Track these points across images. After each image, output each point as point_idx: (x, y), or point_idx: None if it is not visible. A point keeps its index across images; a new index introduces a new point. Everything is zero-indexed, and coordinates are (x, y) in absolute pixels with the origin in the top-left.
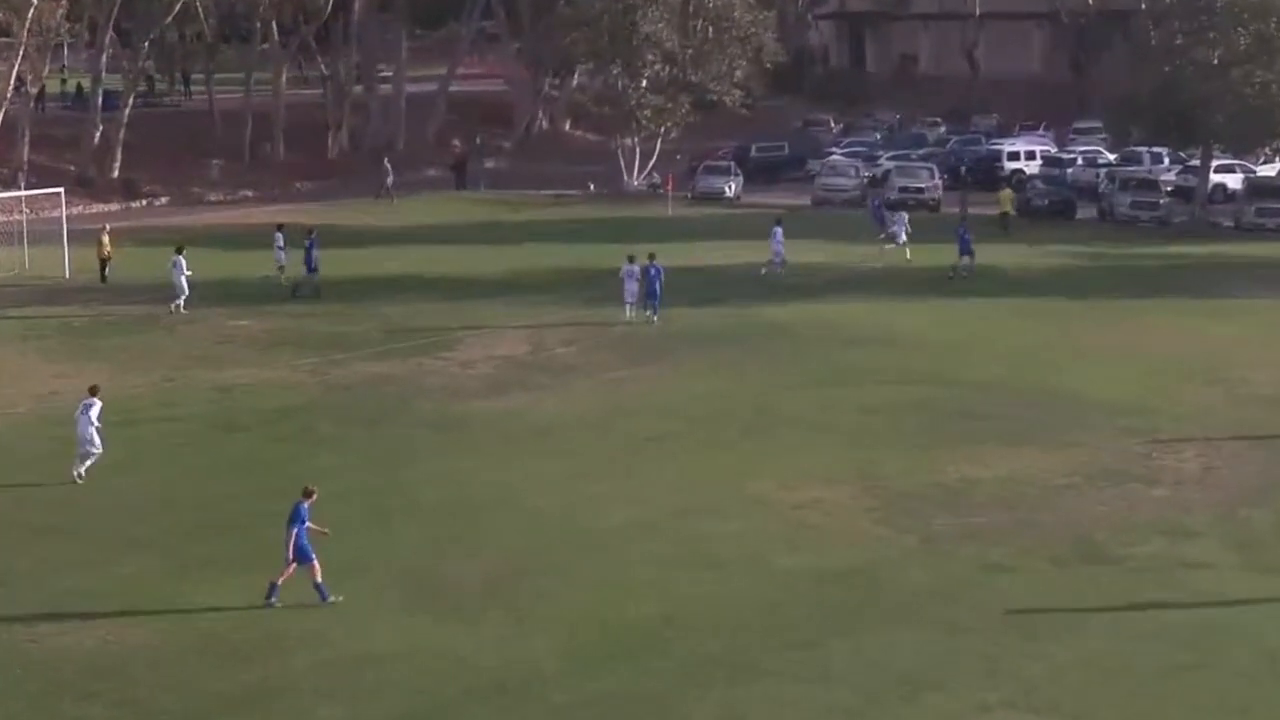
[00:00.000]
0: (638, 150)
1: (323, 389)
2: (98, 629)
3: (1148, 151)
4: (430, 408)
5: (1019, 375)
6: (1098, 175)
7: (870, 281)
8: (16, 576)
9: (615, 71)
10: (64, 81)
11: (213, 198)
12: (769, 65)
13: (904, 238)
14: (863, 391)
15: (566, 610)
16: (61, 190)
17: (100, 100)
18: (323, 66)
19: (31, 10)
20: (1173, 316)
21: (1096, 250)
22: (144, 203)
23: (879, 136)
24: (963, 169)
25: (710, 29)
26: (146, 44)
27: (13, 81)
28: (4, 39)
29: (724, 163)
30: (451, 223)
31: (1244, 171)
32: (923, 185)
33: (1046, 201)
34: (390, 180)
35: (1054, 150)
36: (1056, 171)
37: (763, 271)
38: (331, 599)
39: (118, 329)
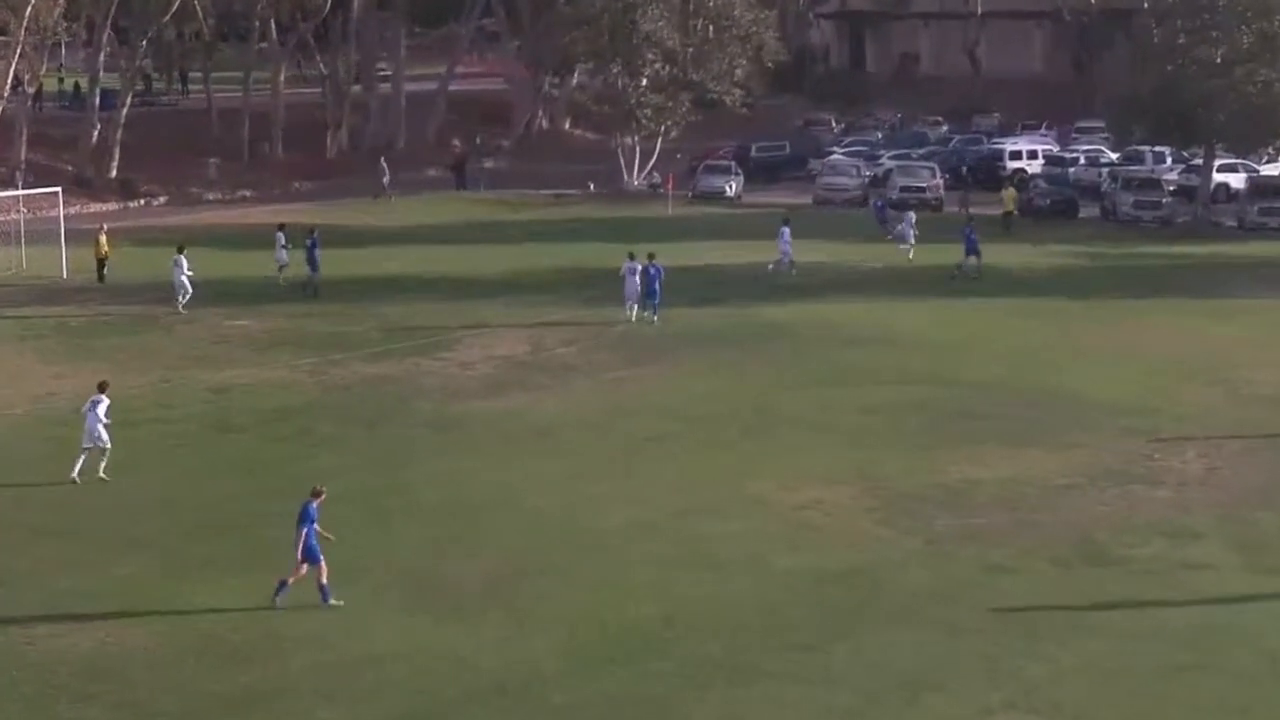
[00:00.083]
0: (638, 149)
1: (321, 389)
2: (95, 630)
3: (1150, 151)
4: (429, 408)
5: (1020, 375)
6: (1100, 175)
7: (870, 281)
8: (14, 577)
9: (615, 70)
10: (61, 80)
11: (211, 197)
12: (770, 64)
13: (913, 238)
14: (863, 391)
15: (566, 611)
16: (59, 190)
17: (98, 99)
18: (321, 65)
19: (29, 9)
20: (1175, 316)
21: (1098, 250)
22: (142, 202)
23: (880, 136)
24: (964, 168)
25: (711, 28)
26: (144, 43)
27: (10, 80)
28: (1, 38)
29: (724, 162)
30: (451, 222)
31: (1247, 171)
32: (924, 185)
33: (1049, 201)
34: (386, 179)
35: (1056, 149)
36: (1059, 171)
37: (770, 268)
38: (333, 601)
39: (115, 329)
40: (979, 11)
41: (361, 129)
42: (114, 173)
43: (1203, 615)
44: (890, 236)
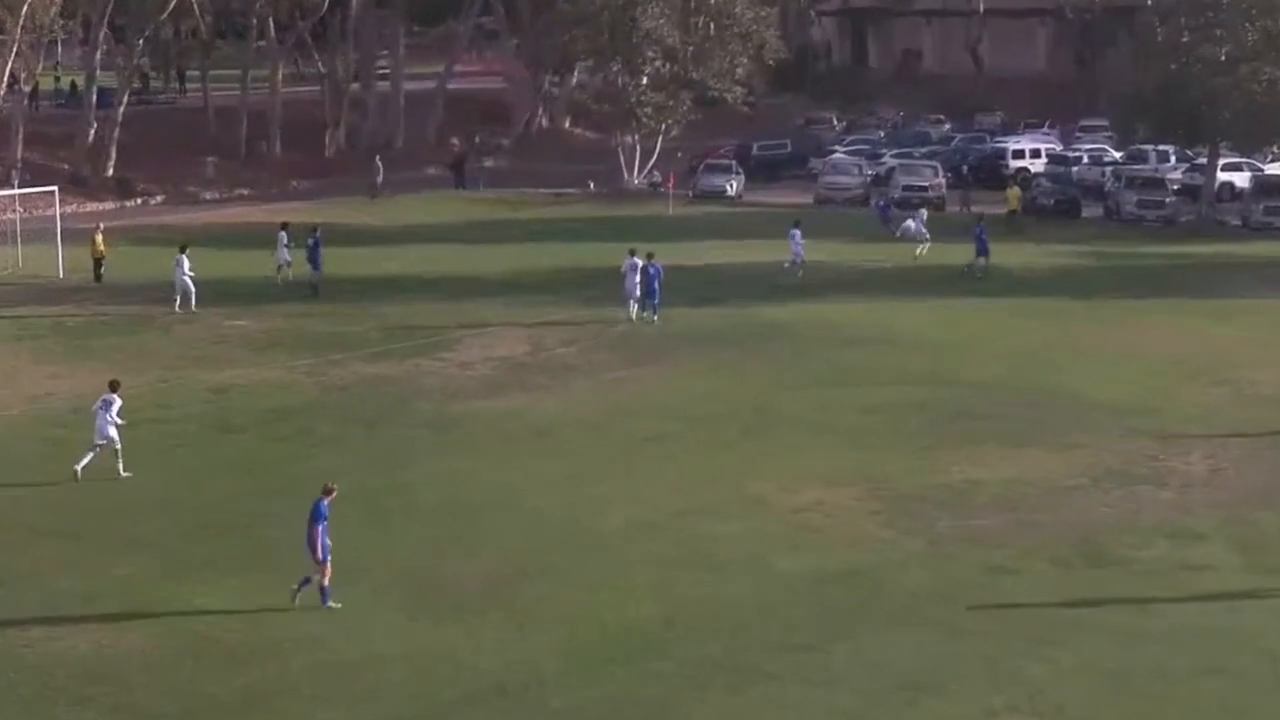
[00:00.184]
0: (638, 148)
1: (320, 389)
2: (93, 632)
3: (1154, 149)
4: (429, 408)
5: (1022, 375)
6: (1103, 173)
7: (871, 281)
8: (12, 578)
9: (615, 69)
10: (58, 79)
11: (208, 196)
12: (771, 62)
13: (926, 236)
14: (864, 392)
15: (566, 612)
16: (55, 189)
17: (94, 98)
18: (320, 64)
19: (25, 6)
20: (1178, 316)
21: (1101, 249)
22: (139, 201)
23: (882, 134)
24: (965, 167)
25: (711, 25)
26: (141, 41)
27: (6, 79)
28: None
29: (725, 161)
30: (450, 222)
31: (1251, 170)
32: (926, 184)
33: (1052, 200)
34: (379, 179)
35: (1059, 148)
36: (1062, 170)
37: (786, 266)
38: (331, 604)
39: (113, 329)
40: (981, 9)
41: (360, 128)
42: (111, 172)
43: (1205, 617)
44: (897, 235)
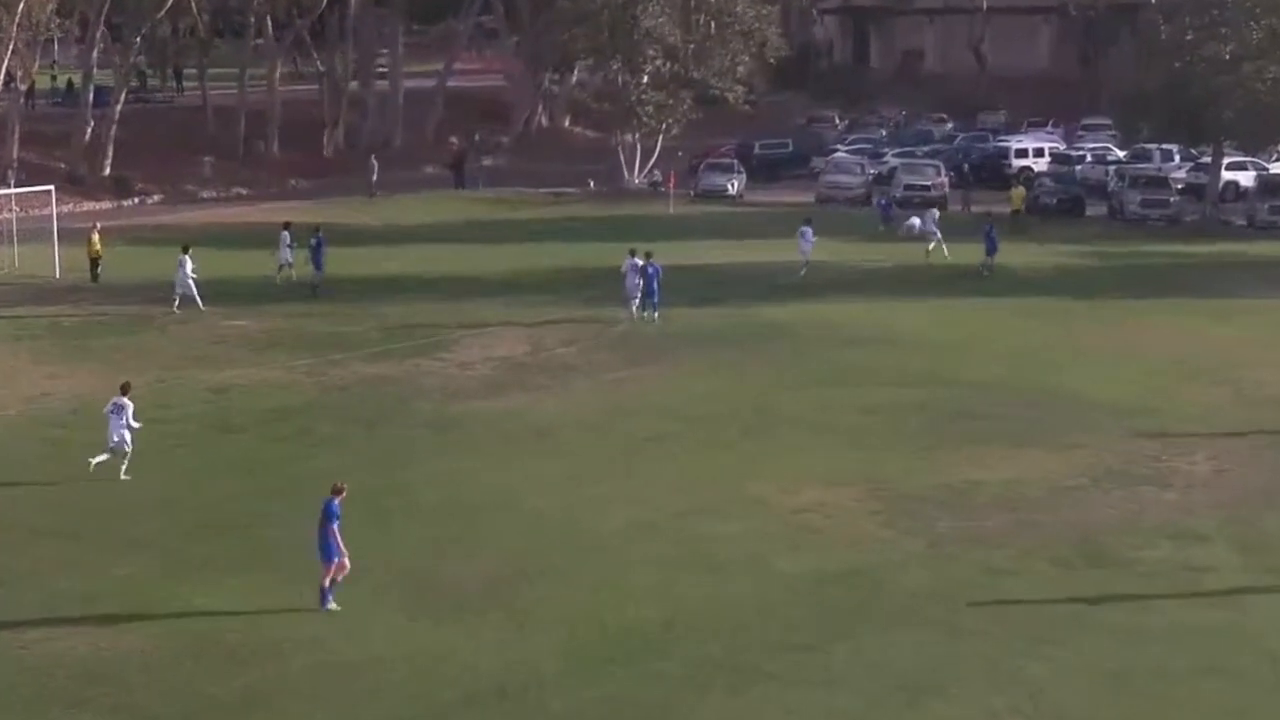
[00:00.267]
0: (638, 147)
1: (320, 390)
2: (92, 633)
3: (1158, 148)
4: (429, 408)
5: (1023, 376)
6: (1107, 173)
7: (872, 281)
8: (9, 579)
9: (615, 67)
10: (54, 77)
11: (206, 196)
12: (772, 61)
13: (938, 235)
14: (864, 392)
15: (566, 612)
16: (52, 188)
17: (91, 96)
18: (318, 62)
19: (21, 4)
20: (1181, 316)
21: (1105, 249)
22: (136, 201)
23: (884, 133)
24: (965, 166)
25: (712, 24)
26: (138, 39)
27: (2, 77)
28: None
29: (726, 160)
30: (450, 221)
31: (1256, 169)
32: (928, 183)
33: (1055, 199)
34: (374, 177)
35: (1062, 147)
36: (1065, 169)
37: (802, 274)
38: (330, 606)
39: (110, 329)
40: (984, 7)
41: (359, 127)
42: (107, 171)
43: (1206, 617)
44: (901, 233)
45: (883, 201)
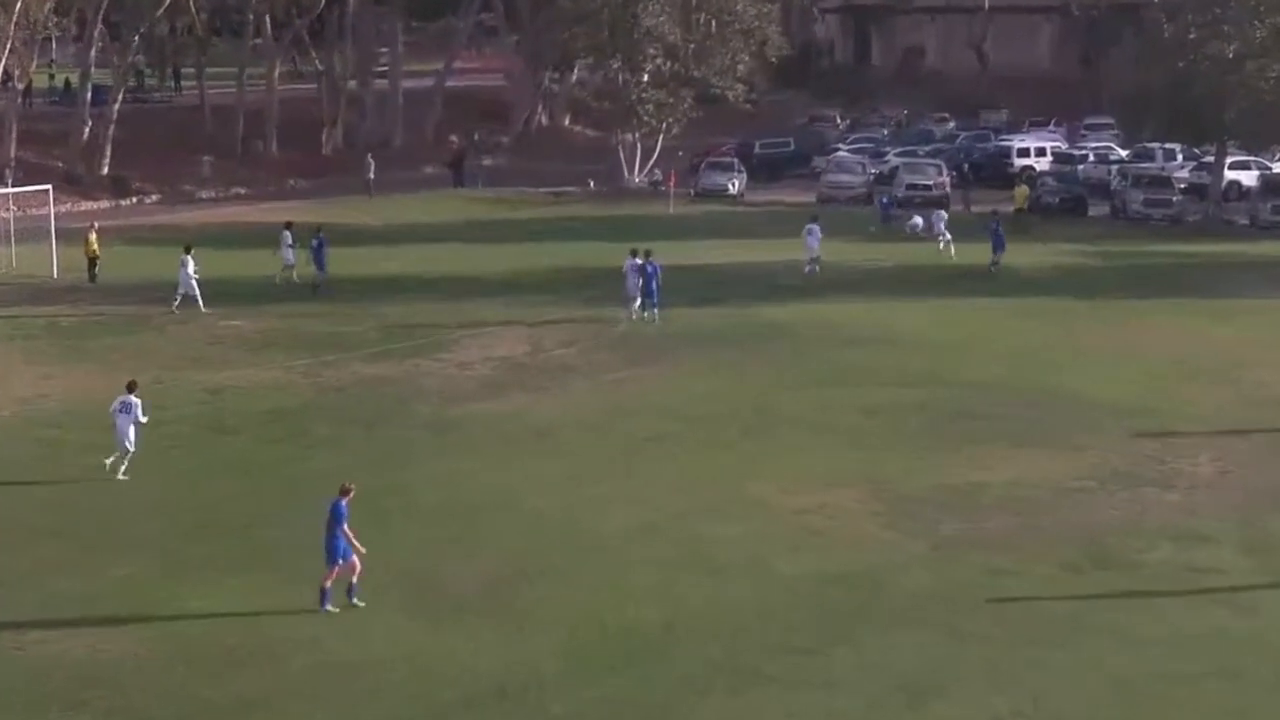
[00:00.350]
0: (639, 146)
1: (318, 390)
2: (88, 635)
3: (1160, 148)
4: (428, 409)
5: (1025, 376)
6: (1109, 172)
7: (873, 281)
8: (6, 580)
9: (616, 66)
10: (52, 76)
11: (204, 195)
12: (773, 59)
13: (948, 236)
14: (865, 392)
15: (566, 614)
16: (49, 187)
17: (89, 95)
18: (317, 61)
19: (19, 3)
20: (1184, 316)
21: (1107, 248)
22: (134, 200)
23: (885, 132)
24: (965, 165)
25: (713, 22)
26: (136, 38)
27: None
28: None
29: (727, 159)
30: (449, 221)
31: (1259, 168)
32: (930, 182)
33: (1057, 199)
34: (370, 175)
35: (1065, 146)
36: (1067, 168)
37: (816, 271)
38: (329, 608)
39: (108, 329)
40: (986, 5)
41: (358, 126)
42: (105, 170)
43: (1211, 619)
44: (907, 232)
45: (884, 201)
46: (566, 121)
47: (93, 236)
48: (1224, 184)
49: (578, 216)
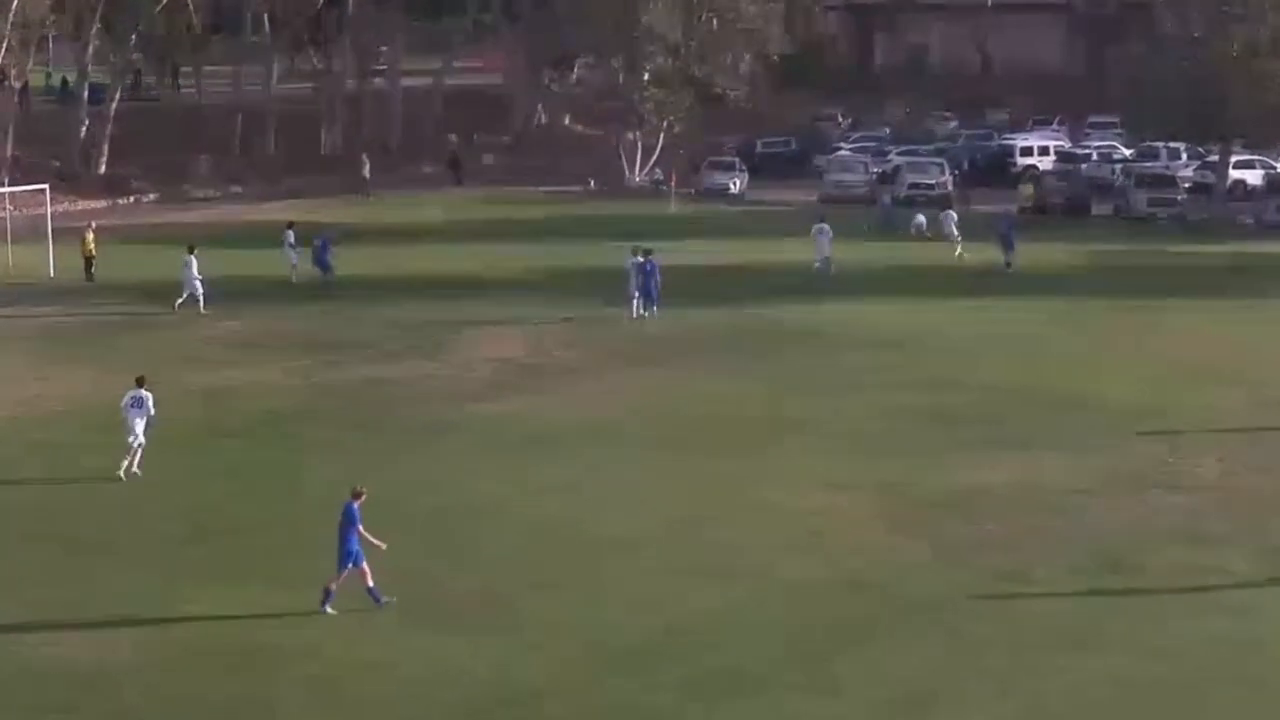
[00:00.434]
0: (639, 146)
1: (316, 392)
2: (84, 639)
3: (1165, 147)
4: (426, 411)
5: (1032, 378)
6: (1113, 171)
7: (876, 282)
8: (1, 584)
9: (616, 65)
10: (49, 75)
11: (201, 194)
12: (775, 58)
13: (958, 236)
14: (871, 395)
15: (567, 620)
16: (46, 186)
17: (86, 94)
18: (315, 60)
19: (15, 2)
20: (1190, 316)
21: (1111, 248)
22: (131, 199)
23: (888, 131)
24: (964, 165)
25: (714, 20)
26: (134, 36)
27: None
28: None
29: (729, 158)
30: (448, 220)
31: (1264, 167)
32: (933, 181)
33: (1061, 198)
34: (366, 173)
35: (1068, 145)
36: (1071, 167)
37: (831, 271)
38: (329, 610)
39: (104, 329)
40: (989, 4)
41: (356, 125)
42: (102, 169)
43: (1219, 624)
44: (912, 231)
45: (884, 201)
46: (566, 120)
47: (90, 236)
48: (1229, 183)
49: (578, 216)
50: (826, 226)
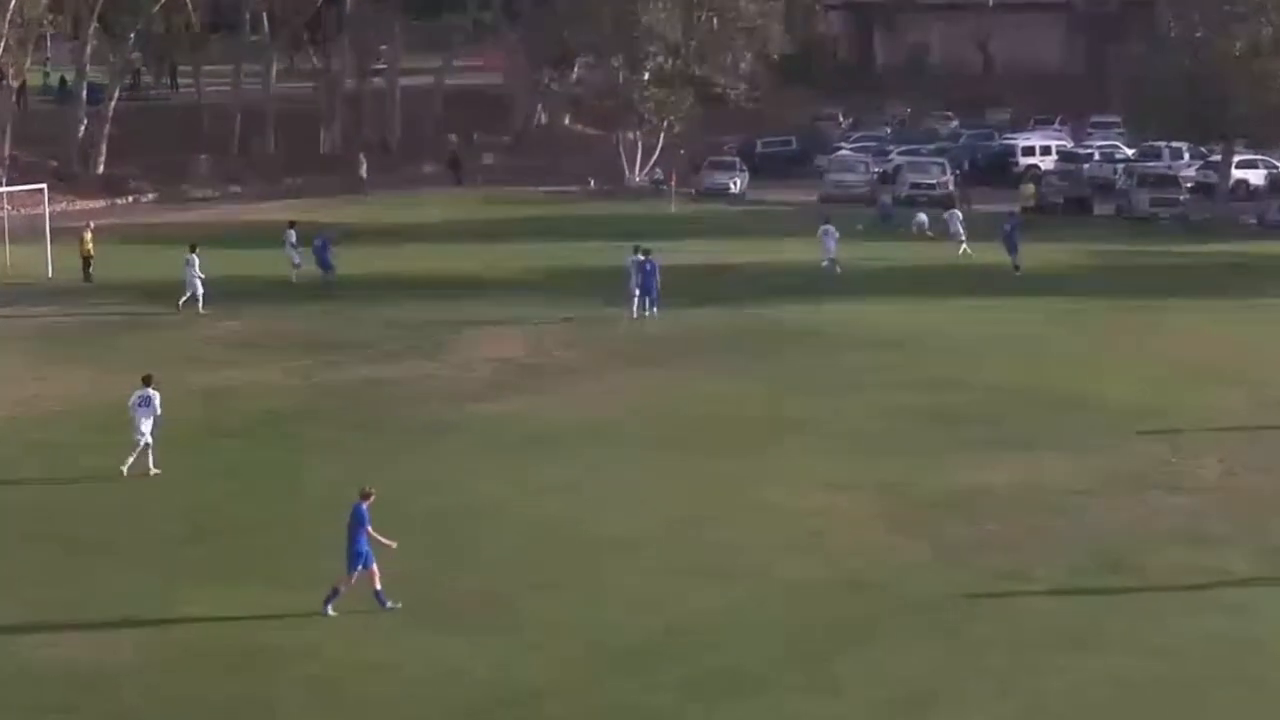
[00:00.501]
0: (639, 145)
1: (315, 392)
2: (83, 639)
3: (1167, 146)
4: (426, 411)
5: (1033, 378)
6: (1115, 171)
7: (877, 282)
8: (0, 584)
9: (616, 64)
10: (47, 74)
11: (200, 194)
12: (775, 57)
13: (962, 235)
14: (872, 395)
15: (566, 620)
16: (44, 186)
17: (85, 94)
18: (314, 59)
19: (13, 1)
20: (1192, 316)
21: (1113, 248)
22: (129, 199)
23: (889, 131)
24: (964, 165)
25: (715, 20)
26: (132, 35)
27: None
28: None
29: (729, 158)
30: (448, 220)
31: (1266, 167)
32: (934, 181)
33: (1062, 198)
34: (363, 172)
35: (1070, 145)
36: (1073, 167)
37: (838, 271)
38: (329, 611)
39: (102, 329)
40: (991, 3)
41: (355, 124)
42: (101, 169)
43: (1220, 624)
44: (914, 231)
45: (884, 201)
46: (566, 120)
47: (88, 236)
48: (1231, 183)
49: (578, 215)
50: (833, 228)
